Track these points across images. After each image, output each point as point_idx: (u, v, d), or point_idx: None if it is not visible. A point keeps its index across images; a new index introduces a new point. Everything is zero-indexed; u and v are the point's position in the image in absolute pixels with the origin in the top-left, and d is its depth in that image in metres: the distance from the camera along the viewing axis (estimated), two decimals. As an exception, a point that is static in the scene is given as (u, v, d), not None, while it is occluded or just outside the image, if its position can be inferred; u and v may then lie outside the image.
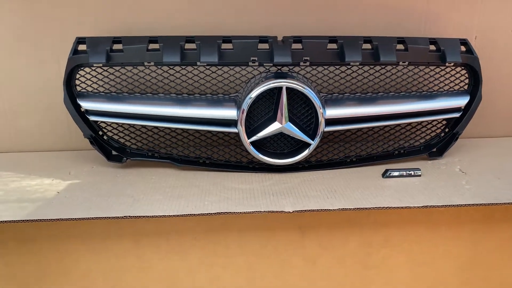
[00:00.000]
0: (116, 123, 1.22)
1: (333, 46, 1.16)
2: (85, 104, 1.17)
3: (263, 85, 1.12)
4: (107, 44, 1.13)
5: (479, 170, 1.20)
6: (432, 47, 1.20)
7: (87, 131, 1.20)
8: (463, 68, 1.26)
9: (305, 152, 1.17)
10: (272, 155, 1.19)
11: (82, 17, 1.30)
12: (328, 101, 1.17)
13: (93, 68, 1.19)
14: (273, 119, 1.16)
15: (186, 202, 1.02)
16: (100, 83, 1.20)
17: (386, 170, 1.17)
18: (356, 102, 1.19)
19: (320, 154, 1.24)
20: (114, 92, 1.20)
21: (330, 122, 1.16)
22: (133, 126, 1.23)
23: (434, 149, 1.30)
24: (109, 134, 1.24)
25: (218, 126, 1.17)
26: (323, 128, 1.15)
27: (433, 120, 1.28)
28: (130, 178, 1.17)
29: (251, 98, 1.12)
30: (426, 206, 0.99)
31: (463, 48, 1.23)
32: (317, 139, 1.16)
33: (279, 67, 1.18)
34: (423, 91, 1.27)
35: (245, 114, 1.13)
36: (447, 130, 1.29)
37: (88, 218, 0.94)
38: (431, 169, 1.21)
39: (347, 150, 1.25)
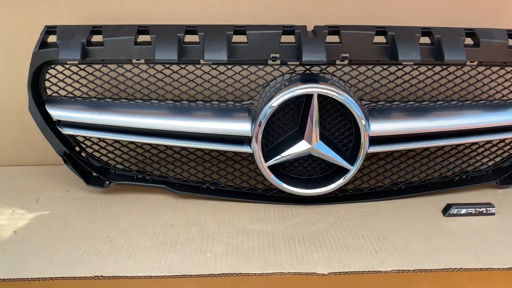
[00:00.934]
0: (98, 138, 0.95)
1: (381, 39, 0.87)
2: (57, 113, 0.90)
3: (288, 91, 0.83)
4: (83, 34, 0.86)
5: None
6: (512, 42, 0.90)
7: (60, 146, 0.93)
8: (547, 70, 0.96)
9: (341, 180, 0.89)
10: (296, 182, 0.91)
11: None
12: (373, 112, 0.88)
13: (67, 67, 0.92)
14: (299, 135, 0.87)
15: (182, 254, 0.74)
16: (76, 85, 0.93)
17: (449, 206, 0.88)
18: (409, 113, 0.90)
19: (359, 180, 0.95)
20: (94, 98, 0.93)
21: (375, 140, 0.88)
22: (118, 141, 0.96)
23: (506, 175, 1.00)
24: (89, 150, 0.97)
25: (227, 144, 0.90)
26: (366, 149, 0.87)
27: (506, 138, 0.98)
28: (112, 209, 0.90)
29: (271, 107, 0.84)
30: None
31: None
32: (358, 163, 0.88)
33: (308, 67, 0.90)
34: (495, 100, 0.97)
35: (262, 128, 0.85)
36: (524, 150, 1.00)
37: (44, 279, 0.68)
38: (506, 203, 0.92)
39: (394, 176, 0.96)
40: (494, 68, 0.95)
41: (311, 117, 0.84)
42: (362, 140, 0.86)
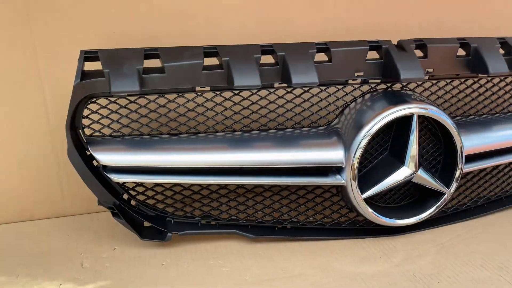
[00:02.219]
0: (154, 183, 0.79)
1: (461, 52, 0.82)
2: (105, 157, 0.73)
3: (387, 112, 0.75)
4: (137, 60, 0.70)
5: None
6: None
7: (108, 197, 0.76)
8: None
9: (437, 205, 0.82)
10: (389, 212, 0.82)
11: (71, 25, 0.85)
12: (461, 129, 0.82)
13: (112, 100, 0.75)
14: (395, 161, 0.79)
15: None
16: (124, 121, 0.77)
17: (541, 220, 0.85)
18: (496, 126, 0.86)
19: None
20: (147, 135, 0.77)
21: (469, 158, 0.82)
22: (179, 184, 0.80)
23: None
24: (139, 197, 0.81)
25: (310, 177, 0.79)
26: (462, 169, 0.81)
27: None
28: (186, 268, 0.75)
29: (369, 133, 0.74)
30: None
31: None
32: (454, 185, 0.81)
33: (389, 85, 0.82)
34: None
35: (358, 156, 0.75)
36: None
37: None
38: None
39: (473, 194, 0.91)
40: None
41: (412, 140, 0.76)
42: (459, 160, 0.80)
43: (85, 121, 0.75)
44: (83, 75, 0.70)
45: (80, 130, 0.75)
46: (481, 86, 0.88)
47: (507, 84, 0.90)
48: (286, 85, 0.77)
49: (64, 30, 0.85)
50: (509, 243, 0.80)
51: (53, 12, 0.84)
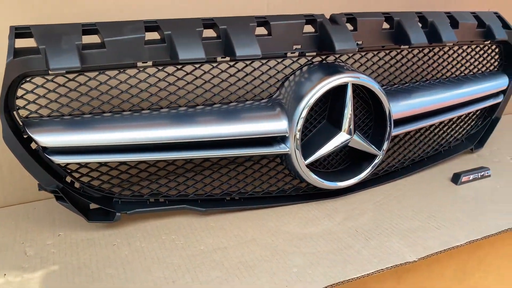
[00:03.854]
0: (99, 162, 0.77)
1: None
2: (43, 138, 0.70)
3: (324, 82, 0.80)
4: (76, 36, 0.68)
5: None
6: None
7: (50, 180, 0.73)
8: (497, 45, 1.11)
9: (371, 167, 0.89)
10: (330, 176, 0.88)
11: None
12: (389, 96, 0.90)
13: (49, 79, 0.72)
14: (333, 128, 0.85)
15: (268, 276, 0.66)
16: (64, 100, 0.74)
17: (457, 175, 0.96)
18: (419, 94, 0.95)
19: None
20: (88, 114, 0.75)
21: (397, 123, 0.90)
22: (125, 163, 0.79)
23: (477, 140, 1.13)
24: (84, 179, 0.78)
25: (256, 147, 0.82)
26: (390, 132, 0.89)
27: (483, 108, 1.10)
28: (139, 246, 0.74)
29: (308, 103, 0.79)
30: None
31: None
32: (385, 147, 0.89)
33: (323, 58, 0.87)
34: (465, 76, 1.08)
35: (300, 125, 0.79)
36: (484, 116, 1.14)
37: None
38: (489, 165, 1.04)
39: (400, 156, 1.01)
40: (464, 47, 1.06)
41: (347, 108, 0.82)
42: (387, 123, 0.88)
43: (20, 102, 0.71)
44: (16, 53, 0.66)
45: (15, 112, 0.70)
46: (403, 57, 0.96)
47: (424, 55, 0.99)
48: (229, 58, 0.78)
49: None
50: (433, 197, 0.90)
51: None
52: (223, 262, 0.69)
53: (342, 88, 0.82)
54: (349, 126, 0.83)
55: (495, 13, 1.07)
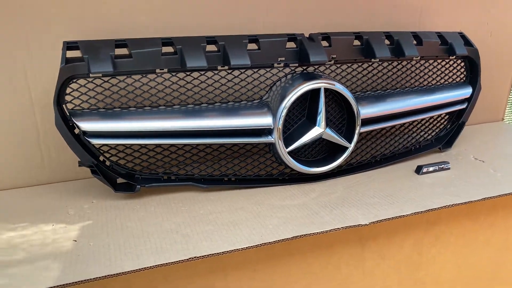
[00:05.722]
0: (123, 145, 1.00)
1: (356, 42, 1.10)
2: (84, 125, 0.93)
3: (301, 87, 1.01)
4: (109, 48, 0.91)
5: (491, 157, 1.24)
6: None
7: (88, 158, 0.96)
8: (462, 60, 1.30)
9: (343, 157, 1.09)
10: (309, 164, 1.08)
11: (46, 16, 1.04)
12: (360, 100, 1.10)
13: (90, 80, 0.95)
14: (310, 124, 1.05)
15: (249, 229, 0.86)
16: (100, 97, 0.97)
17: (420, 167, 1.15)
18: (386, 99, 1.15)
19: (349, 157, 1.17)
20: (118, 108, 0.98)
21: (364, 122, 1.10)
22: (145, 146, 1.02)
23: (444, 141, 1.31)
24: (113, 159, 1.01)
25: (249, 137, 1.03)
26: (359, 130, 1.08)
27: (447, 113, 1.29)
28: (153, 210, 0.96)
29: (289, 101, 1.00)
30: (485, 199, 0.99)
31: (461, 41, 1.26)
32: (354, 142, 1.09)
33: (304, 67, 1.09)
34: (432, 85, 1.27)
35: (282, 120, 1.00)
36: (452, 121, 1.32)
37: (143, 269, 0.74)
38: (452, 161, 1.22)
39: (373, 151, 1.20)
40: (430, 61, 1.26)
41: (320, 107, 1.03)
42: (357, 123, 1.08)
43: (68, 98, 0.94)
44: (66, 61, 0.90)
45: (64, 105, 0.94)
46: (374, 68, 1.16)
47: (394, 67, 1.20)
48: (227, 67, 1.00)
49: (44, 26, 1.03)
50: (396, 182, 1.09)
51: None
52: (216, 221, 0.90)
53: (317, 92, 1.03)
54: (323, 121, 1.03)
55: (460, 33, 1.27)
